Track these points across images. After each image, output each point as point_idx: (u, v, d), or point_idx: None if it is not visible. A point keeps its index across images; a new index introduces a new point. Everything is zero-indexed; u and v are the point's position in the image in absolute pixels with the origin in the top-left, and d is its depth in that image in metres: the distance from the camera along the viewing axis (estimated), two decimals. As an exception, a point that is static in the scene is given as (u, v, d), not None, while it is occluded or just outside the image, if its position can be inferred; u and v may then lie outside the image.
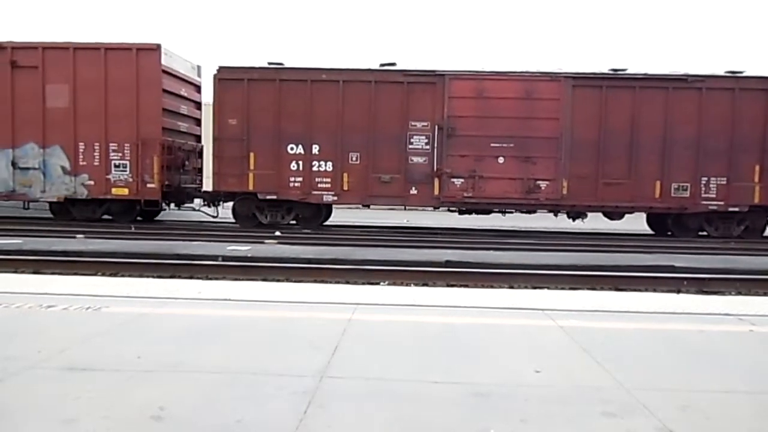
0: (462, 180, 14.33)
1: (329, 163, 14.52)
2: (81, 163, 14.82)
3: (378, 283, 8.14)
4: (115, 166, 14.81)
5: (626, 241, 13.75)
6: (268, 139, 14.46)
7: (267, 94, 14.42)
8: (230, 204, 15.57)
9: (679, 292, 7.96)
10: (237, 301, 5.40)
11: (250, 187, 14.67)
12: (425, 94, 14.28)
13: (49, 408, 2.92)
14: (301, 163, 14.55)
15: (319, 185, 14.60)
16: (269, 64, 14.64)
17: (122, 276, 8.23)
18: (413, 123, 14.32)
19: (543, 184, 14.28)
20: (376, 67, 14.51)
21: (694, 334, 4.58)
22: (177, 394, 3.13)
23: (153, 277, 8.02)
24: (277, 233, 13.62)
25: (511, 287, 7.92)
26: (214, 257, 9.57)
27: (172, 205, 16.41)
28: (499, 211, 15.12)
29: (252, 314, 4.90)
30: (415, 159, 14.41)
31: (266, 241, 12.23)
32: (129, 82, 14.53)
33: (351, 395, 3.17)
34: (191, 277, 8.18)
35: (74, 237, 12.00)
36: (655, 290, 8.07)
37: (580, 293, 7.04)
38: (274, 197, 14.72)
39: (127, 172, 14.79)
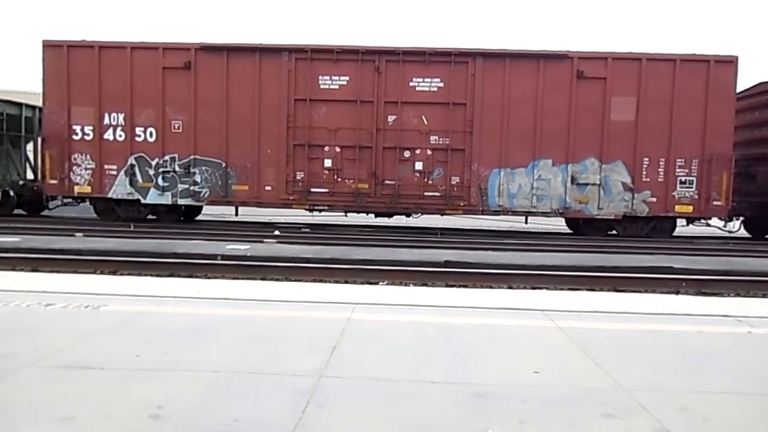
0: None
1: None
2: (644, 180, 14.19)
3: (377, 283, 8.14)
4: (681, 182, 14.19)
5: (625, 242, 13.75)
6: None
7: None
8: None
9: (678, 293, 7.96)
10: (236, 300, 5.40)
11: None
12: None
13: (47, 406, 2.91)
14: None
15: None
16: None
17: (121, 274, 8.23)
18: None
19: None
20: None
21: (692, 336, 4.58)
22: (175, 392, 3.13)
23: (152, 275, 8.03)
24: (276, 232, 13.63)
25: (510, 287, 7.92)
26: (213, 256, 9.56)
27: None
28: None
29: (251, 313, 4.90)
30: None
31: (265, 240, 12.24)
32: (699, 94, 13.91)
33: (349, 395, 3.17)
34: (190, 276, 8.18)
35: (73, 235, 12.00)
36: (654, 291, 8.08)
37: (578, 294, 7.05)
38: None
39: (693, 189, 14.18)
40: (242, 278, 7.96)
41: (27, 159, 17.57)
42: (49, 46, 14.57)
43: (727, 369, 3.79)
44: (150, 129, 14.58)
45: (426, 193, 14.55)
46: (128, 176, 14.63)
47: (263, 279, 8.05)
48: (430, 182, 14.52)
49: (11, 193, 16.27)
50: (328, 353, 3.85)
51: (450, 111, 14.22)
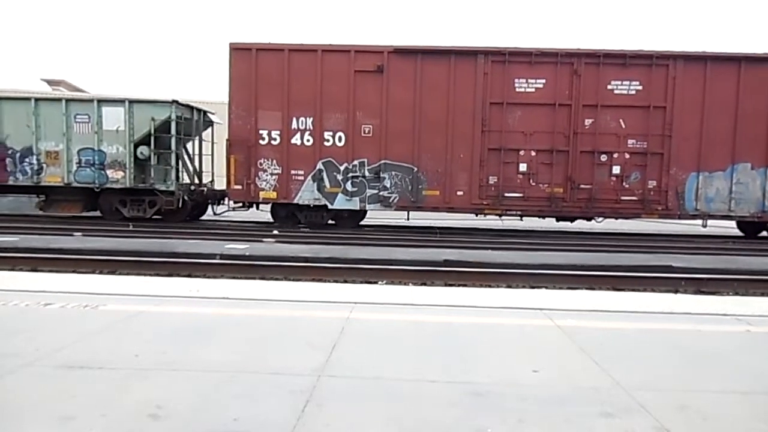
0: None
1: None
2: None
3: (376, 282, 8.15)
4: None
5: (625, 241, 13.77)
6: None
7: None
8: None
9: (677, 292, 7.98)
10: (235, 300, 5.39)
11: None
12: None
13: (46, 406, 2.91)
14: None
15: None
16: None
17: (120, 274, 8.24)
18: None
19: None
20: None
21: (691, 334, 4.59)
22: (174, 392, 3.12)
23: (151, 275, 8.03)
24: (275, 231, 13.63)
25: (510, 287, 7.93)
26: (212, 256, 9.56)
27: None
28: None
29: (250, 313, 4.90)
30: None
31: (264, 239, 12.24)
32: None
33: (349, 394, 3.17)
34: (189, 276, 8.19)
35: (71, 234, 11.99)
36: (653, 290, 8.09)
37: (578, 293, 7.04)
38: None
39: None
40: (241, 278, 7.97)
41: (192, 163, 17.14)
42: (236, 50, 14.41)
43: (727, 368, 3.79)
44: (339, 133, 14.49)
45: (622, 198, 14.47)
46: (316, 181, 14.57)
47: (262, 278, 8.05)
48: (626, 186, 14.44)
49: (185, 197, 15.77)
50: (327, 353, 3.85)
51: (649, 114, 14.17)
